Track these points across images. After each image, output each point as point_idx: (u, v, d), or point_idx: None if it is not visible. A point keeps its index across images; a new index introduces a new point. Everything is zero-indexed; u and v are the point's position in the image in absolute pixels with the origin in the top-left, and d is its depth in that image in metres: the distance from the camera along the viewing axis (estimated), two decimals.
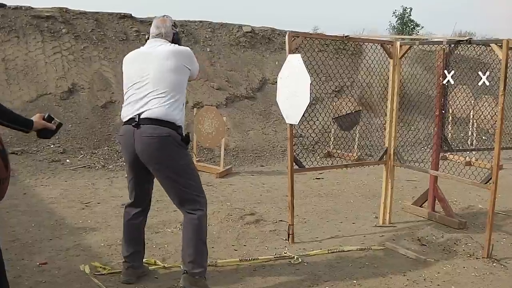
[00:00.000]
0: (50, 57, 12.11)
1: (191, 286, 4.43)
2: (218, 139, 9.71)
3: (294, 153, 6.08)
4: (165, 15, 4.81)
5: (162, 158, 4.38)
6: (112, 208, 7.23)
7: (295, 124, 5.89)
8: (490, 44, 5.90)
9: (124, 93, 4.59)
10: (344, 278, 5.05)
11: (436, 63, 6.99)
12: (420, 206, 7.37)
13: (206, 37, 15.00)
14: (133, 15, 14.32)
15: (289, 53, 5.87)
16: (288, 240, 6.05)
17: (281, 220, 6.82)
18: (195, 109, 10.15)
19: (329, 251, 5.75)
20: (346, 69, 6.92)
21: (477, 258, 5.74)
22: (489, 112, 9.92)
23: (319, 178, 9.66)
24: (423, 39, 10.09)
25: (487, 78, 6.02)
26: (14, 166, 9.03)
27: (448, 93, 7.39)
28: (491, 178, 5.73)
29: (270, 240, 6.11)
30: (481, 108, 10.65)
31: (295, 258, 5.50)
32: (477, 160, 11.22)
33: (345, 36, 6.57)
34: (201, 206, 4.52)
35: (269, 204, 7.71)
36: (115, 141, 10.81)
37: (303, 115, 5.65)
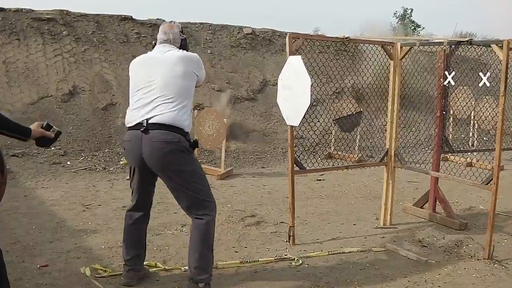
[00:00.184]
0: (51, 59, 12.11)
1: None
2: (219, 140, 9.71)
3: (295, 155, 6.08)
4: (172, 21, 4.81)
5: (170, 164, 4.35)
6: (113, 210, 7.23)
7: (295, 126, 5.89)
8: (491, 45, 5.89)
9: (130, 97, 4.56)
10: (345, 280, 5.05)
11: (436, 64, 6.99)
12: (421, 207, 7.36)
13: (206, 39, 15.01)
14: (133, 17, 14.33)
15: (290, 54, 5.86)
16: (289, 242, 6.04)
17: (282, 222, 6.82)
18: (196, 111, 10.14)
19: (330, 253, 5.74)
20: (346, 70, 6.91)
21: (478, 259, 5.73)
22: (490, 113, 9.90)
23: (320, 180, 9.66)
24: (423, 40, 10.08)
25: (487, 79, 6.02)
26: (15, 168, 9.05)
27: (449, 94, 7.38)
28: (492, 179, 5.72)
29: (271, 242, 6.11)
30: (482, 109, 10.63)
31: (296, 259, 5.49)
32: (478, 161, 11.20)
33: (346, 38, 6.56)
34: (210, 211, 4.49)
35: (270, 206, 7.70)
36: (116, 143, 10.82)
37: (304, 117, 5.64)
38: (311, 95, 5.54)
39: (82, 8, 13.86)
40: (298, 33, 6.18)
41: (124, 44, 13.50)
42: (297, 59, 5.72)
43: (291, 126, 5.92)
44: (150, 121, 4.29)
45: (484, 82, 6.07)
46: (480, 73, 6.17)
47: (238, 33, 15.67)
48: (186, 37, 4.89)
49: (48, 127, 3.67)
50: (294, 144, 6.15)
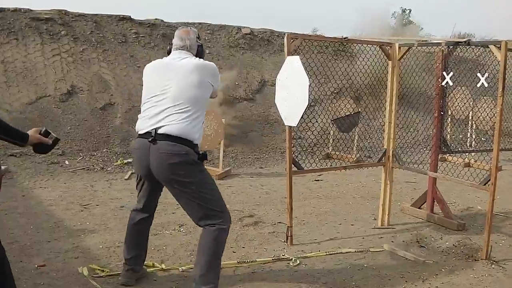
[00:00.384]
0: (49, 59, 12.10)
1: None
2: (217, 140, 9.71)
3: (293, 155, 6.08)
4: (188, 26, 4.74)
5: (177, 176, 4.24)
6: (111, 210, 7.23)
7: (293, 126, 5.89)
8: (489, 46, 5.90)
9: (142, 103, 4.48)
10: (342, 280, 5.05)
11: (435, 64, 7.00)
12: (419, 208, 7.37)
13: (205, 39, 14.99)
14: (132, 17, 14.32)
15: (288, 54, 5.87)
16: (286, 242, 6.04)
17: (279, 222, 6.82)
18: None
19: (328, 253, 5.75)
20: (345, 70, 6.91)
21: (475, 260, 5.74)
22: (487, 114, 9.91)
23: (318, 180, 9.66)
24: (422, 41, 10.08)
25: (485, 79, 6.03)
26: (13, 168, 9.04)
27: (447, 95, 7.39)
28: (489, 180, 5.73)
29: (268, 242, 6.11)
30: (479, 110, 10.64)
31: (294, 260, 5.50)
32: (476, 161, 11.20)
33: (344, 38, 6.57)
34: (222, 222, 4.36)
35: (268, 206, 7.70)
36: (114, 143, 10.82)
37: (302, 117, 5.64)
38: (309, 95, 5.54)
39: (80, 8, 13.87)
40: (296, 33, 6.19)
41: (123, 44, 13.49)
42: (295, 59, 5.72)
43: (289, 126, 5.92)
44: (158, 131, 4.20)
45: (482, 83, 6.08)
46: (478, 74, 6.18)
47: (237, 33, 15.66)
48: (202, 44, 4.75)
49: (46, 134, 3.63)
50: (292, 145, 6.16)
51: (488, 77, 6.08)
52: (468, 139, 12.25)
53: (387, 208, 6.94)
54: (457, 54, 7.03)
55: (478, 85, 6.17)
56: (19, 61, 11.69)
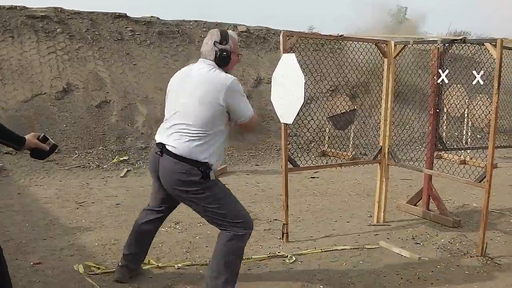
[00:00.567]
0: (44, 57, 12.09)
1: None
2: None
3: (289, 152, 6.08)
4: (216, 28, 4.35)
5: (182, 192, 4.13)
6: (107, 207, 7.23)
7: (289, 124, 5.89)
8: (485, 43, 5.91)
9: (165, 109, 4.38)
10: (338, 277, 5.05)
11: (430, 62, 7.01)
12: (414, 205, 7.38)
13: (201, 36, 14.98)
14: (128, 14, 14.30)
15: (284, 52, 5.87)
16: (282, 239, 6.05)
17: (275, 219, 6.83)
18: None
19: (323, 250, 5.75)
20: (340, 68, 6.91)
21: (471, 257, 5.75)
22: (483, 111, 9.93)
23: (314, 177, 9.67)
24: (417, 39, 10.09)
25: (481, 77, 6.03)
26: (8, 166, 9.04)
27: (443, 92, 7.39)
28: (485, 177, 5.74)
29: (264, 239, 6.12)
30: (475, 107, 10.66)
31: (289, 257, 5.50)
32: (471, 158, 11.22)
33: (340, 36, 6.57)
34: (238, 230, 4.17)
35: (263, 203, 7.71)
36: (110, 140, 10.83)
37: (298, 114, 5.65)
38: (305, 92, 5.54)
39: (76, 5, 13.80)
40: (292, 31, 6.19)
41: (118, 41, 13.48)
42: (291, 57, 5.72)
43: (285, 124, 5.92)
44: (165, 147, 4.08)
45: (478, 80, 6.09)
46: (474, 72, 6.19)
47: (233, 30, 15.65)
48: (227, 48, 4.17)
49: (44, 139, 3.57)
50: (288, 142, 6.16)
51: (484, 74, 6.08)
52: (464, 137, 12.26)
53: (383, 205, 6.95)
54: (453, 52, 7.03)
55: (474, 82, 6.18)
56: (15, 59, 11.67)
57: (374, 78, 7.36)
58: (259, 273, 5.10)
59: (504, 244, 6.27)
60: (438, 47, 6.77)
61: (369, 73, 7.27)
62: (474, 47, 7.72)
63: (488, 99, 9.72)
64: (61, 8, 13.24)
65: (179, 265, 5.16)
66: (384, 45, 6.80)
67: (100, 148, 10.56)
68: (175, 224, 6.54)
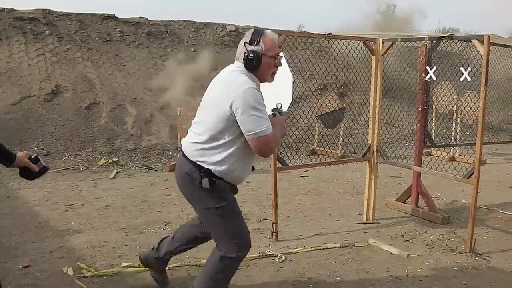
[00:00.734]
0: (33, 59, 12.07)
1: None
2: None
3: (278, 152, 6.09)
4: (255, 27, 3.85)
5: (184, 192, 3.94)
6: (96, 209, 7.21)
7: None
8: (472, 40, 5.93)
9: None
10: (327, 275, 5.06)
11: (418, 59, 7.03)
12: (403, 202, 7.40)
13: (190, 36, 15.01)
14: (116, 15, 14.31)
15: None
16: (272, 238, 6.06)
17: (265, 219, 6.84)
18: (179, 108, 10.12)
19: (313, 249, 5.76)
20: (329, 66, 6.93)
21: (460, 253, 5.79)
22: (471, 108, 9.97)
23: (304, 176, 9.68)
24: (405, 36, 10.11)
25: (468, 73, 6.06)
26: None
27: (431, 89, 7.42)
28: (473, 173, 5.76)
29: (254, 239, 6.05)
30: (463, 104, 10.70)
31: (279, 256, 5.50)
32: (460, 155, 11.27)
33: (327, 34, 6.58)
34: (227, 252, 3.86)
35: (253, 203, 7.72)
36: (99, 142, 10.81)
37: (286, 113, 5.65)
38: (293, 91, 5.55)
39: (65, 7, 13.90)
40: (280, 30, 6.19)
41: (107, 42, 13.47)
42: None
43: None
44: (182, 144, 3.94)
45: (465, 77, 6.12)
46: (461, 68, 6.21)
47: (221, 30, 15.68)
48: (256, 49, 3.66)
49: (36, 160, 3.51)
50: None
51: (471, 71, 6.11)
52: (453, 133, 12.30)
53: (372, 203, 6.96)
54: (441, 49, 7.08)
55: (461, 79, 6.21)
56: (3, 61, 11.65)
57: (363, 76, 7.37)
58: (249, 272, 5.11)
59: (493, 240, 6.30)
60: (426, 44, 6.79)
61: (357, 71, 7.28)
62: (462, 44, 7.76)
63: (476, 95, 9.76)
64: (50, 10, 13.24)
65: (169, 266, 5.14)
66: (372, 43, 6.82)
67: (89, 150, 10.54)
68: (165, 225, 6.54)
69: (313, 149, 11.82)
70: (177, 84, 12.65)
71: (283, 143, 11.32)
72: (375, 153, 6.86)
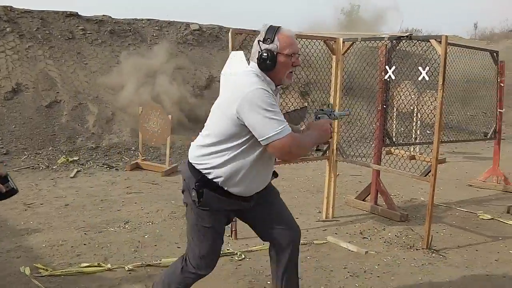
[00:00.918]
0: None
1: None
2: (164, 137, 9.69)
3: None
4: (270, 24, 3.50)
5: (184, 199, 3.61)
6: (56, 208, 7.14)
7: None
8: (430, 40, 6.02)
9: None
10: None
11: (378, 59, 7.10)
12: (363, 200, 7.47)
13: (153, 35, 14.95)
14: (79, 13, 14.17)
15: (232, 50, 5.90)
16: (231, 237, 6.07)
17: None
18: (140, 107, 10.08)
19: None
20: None
21: (417, 249, 5.87)
22: (428, 107, 10.10)
23: None
24: (366, 36, 10.19)
25: (426, 73, 6.15)
26: None
27: (392, 89, 7.50)
28: (430, 171, 5.85)
29: None
30: (424, 103, 10.83)
31: (239, 254, 5.52)
32: (421, 154, 11.40)
33: None
34: (187, 266, 3.67)
35: None
36: (60, 140, 10.72)
37: None
38: None
39: (26, 4, 13.63)
40: (241, 29, 6.21)
41: (70, 40, 13.35)
42: (239, 54, 5.76)
43: None
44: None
45: (424, 76, 6.21)
46: (420, 68, 6.30)
47: (185, 29, 15.64)
48: (271, 47, 3.33)
49: (4, 181, 3.32)
50: None
51: (429, 70, 6.20)
52: (413, 132, 12.44)
53: (332, 201, 7.02)
54: (405, 49, 7.16)
55: (420, 78, 6.29)
56: None
57: (324, 75, 7.41)
58: None
59: (450, 237, 6.40)
60: (386, 44, 6.87)
61: (318, 70, 7.32)
62: (425, 44, 7.87)
63: (435, 94, 9.89)
64: (11, 6, 13.06)
65: (130, 266, 5.12)
66: (333, 42, 6.87)
67: (50, 149, 10.43)
68: (124, 223, 6.52)
69: None
70: (139, 83, 12.59)
71: None
72: (334, 151, 6.91)
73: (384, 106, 7.10)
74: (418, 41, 6.87)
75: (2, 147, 9.98)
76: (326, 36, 7.35)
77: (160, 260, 5.23)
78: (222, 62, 14.58)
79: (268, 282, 4.87)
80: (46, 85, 11.93)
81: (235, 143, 3.32)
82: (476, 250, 5.97)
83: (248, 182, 3.44)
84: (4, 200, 3.14)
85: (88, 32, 13.86)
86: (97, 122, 11.56)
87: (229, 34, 5.97)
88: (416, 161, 8.53)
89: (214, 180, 3.38)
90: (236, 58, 5.79)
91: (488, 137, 9.07)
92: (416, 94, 11.13)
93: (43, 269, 4.99)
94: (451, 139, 9.66)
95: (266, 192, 3.74)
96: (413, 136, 12.38)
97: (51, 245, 5.69)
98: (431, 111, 9.52)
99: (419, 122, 12.18)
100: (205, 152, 3.40)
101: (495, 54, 8.86)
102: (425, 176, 5.96)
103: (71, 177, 9.01)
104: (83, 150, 10.64)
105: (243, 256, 5.49)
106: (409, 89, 10.72)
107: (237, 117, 3.19)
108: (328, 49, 6.91)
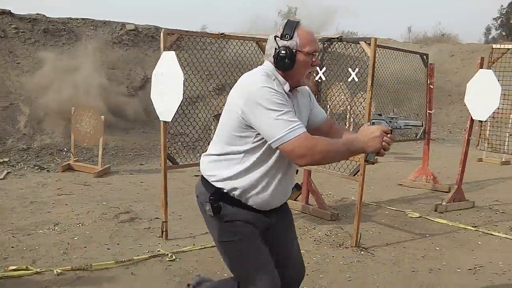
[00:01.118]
0: None
1: None
2: (96, 138, 9.59)
3: (174, 151, 6.10)
4: (288, 19, 3.21)
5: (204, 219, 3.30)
6: None
7: (168, 121, 5.93)
8: (360, 42, 6.14)
9: None
10: (214, 272, 5.10)
11: None
12: (294, 200, 7.53)
13: (88, 34, 14.75)
14: (12, 11, 13.88)
15: (164, 50, 5.89)
16: (162, 237, 6.06)
17: (156, 218, 6.80)
18: (73, 107, 9.95)
19: (202, 247, 5.79)
20: (226, 66, 6.99)
21: (346, 248, 5.97)
22: (358, 107, 10.28)
23: (198, 176, 9.68)
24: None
25: (356, 74, 6.27)
26: None
27: (325, 90, 7.59)
28: (359, 171, 5.96)
29: (144, 238, 6.09)
30: (356, 104, 11.01)
31: (170, 255, 5.50)
32: None
33: (221, 34, 6.63)
34: None
35: (146, 202, 7.67)
36: None
37: (184, 113, 5.67)
38: (184, 90, 5.59)
39: None
40: (173, 29, 6.20)
41: (1, 39, 13.06)
42: (171, 55, 5.77)
43: (164, 121, 5.94)
44: None
45: (353, 77, 6.33)
46: (349, 69, 6.42)
47: (121, 29, 15.48)
48: (289, 44, 2.98)
49: None
50: (174, 140, 6.17)
51: (359, 72, 6.32)
52: None
53: None
54: (340, 51, 7.27)
55: (349, 79, 6.41)
56: None
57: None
58: (137, 272, 5.08)
59: (379, 235, 6.53)
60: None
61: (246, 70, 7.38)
62: (360, 46, 8.01)
63: (363, 95, 10.07)
64: None
65: (59, 270, 5.02)
66: (265, 43, 6.91)
67: None
68: (54, 225, 6.41)
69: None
70: (72, 83, 12.39)
71: (179, 143, 11.29)
72: None
73: None
74: (349, 43, 6.99)
75: None
76: (259, 37, 7.40)
77: (91, 266, 5.13)
78: (157, 62, 14.56)
79: None
80: None
81: (246, 147, 3.00)
82: (404, 247, 6.12)
83: (263, 192, 3.08)
84: None
85: (21, 31, 13.57)
86: (28, 123, 11.34)
87: (161, 34, 5.95)
88: (345, 161, 8.64)
89: (229, 192, 3.08)
90: (167, 58, 5.79)
91: (418, 137, 9.29)
92: (348, 95, 11.29)
93: None
94: None
95: (284, 210, 3.43)
96: None
97: None
98: (360, 111, 9.69)
99: (352, 122, 12.36)
100: (215, 161, 3.12)
101: (425, 56, 9.08)
102: (354, 175, 6.07)
103: (1, 179, 8.80)
104: (14, 151, 10.42)
105: (174, 257, 5.47)
106: (342, 90, 10.88)
107: (242, 119, 2.91)
108: (261, 50, 6.96)
